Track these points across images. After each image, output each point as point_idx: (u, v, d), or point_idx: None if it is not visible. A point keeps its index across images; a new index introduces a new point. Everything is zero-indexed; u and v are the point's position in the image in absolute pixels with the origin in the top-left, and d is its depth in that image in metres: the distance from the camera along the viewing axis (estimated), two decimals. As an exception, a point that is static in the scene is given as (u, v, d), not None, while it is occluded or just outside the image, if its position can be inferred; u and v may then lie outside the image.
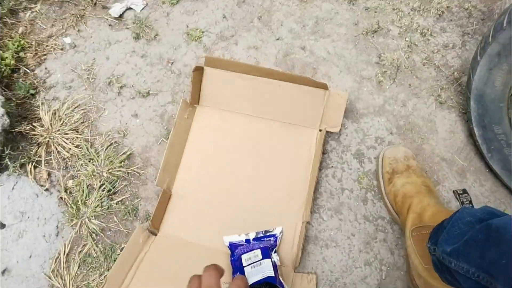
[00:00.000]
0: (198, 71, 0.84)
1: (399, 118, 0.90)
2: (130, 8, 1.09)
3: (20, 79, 1.00)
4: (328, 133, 0.87)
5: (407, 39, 0.98)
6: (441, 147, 0.87)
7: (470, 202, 0.62)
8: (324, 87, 0.84)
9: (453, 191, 0.65)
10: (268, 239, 0.75)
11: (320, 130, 0.85)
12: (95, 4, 1.11)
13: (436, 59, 0.96)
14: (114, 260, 0.79)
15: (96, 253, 0.79)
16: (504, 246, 0.44)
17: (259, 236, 0.76)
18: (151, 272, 0.76)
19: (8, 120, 0.87)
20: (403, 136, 0.88)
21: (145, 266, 0.76)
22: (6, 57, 1.00)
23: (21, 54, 1.04)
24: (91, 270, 0.77)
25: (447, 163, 0.85)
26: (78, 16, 1.09)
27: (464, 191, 0.63)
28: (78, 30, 1.07)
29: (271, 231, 0.76)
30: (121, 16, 1.08)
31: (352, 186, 0.83)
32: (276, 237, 0.75)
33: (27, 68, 1.02)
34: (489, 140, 0.78)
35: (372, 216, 0.80)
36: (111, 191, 0.86)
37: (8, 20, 1.08)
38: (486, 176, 0.83)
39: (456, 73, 0.93)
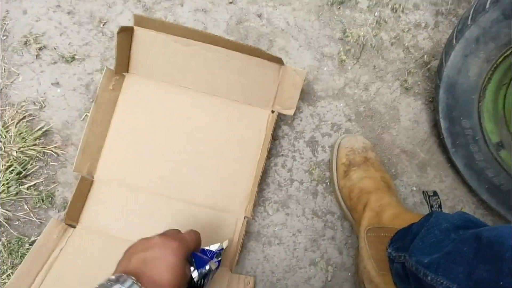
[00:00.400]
0: (126, 31, 0.69)
1: (360, 103, 0.81)
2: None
3: None
4: (281, 116, 0.76)
5: (376, 14, 0.87)
6: (403, 138, 0.79)
7: (440, 206, 0.55)
8: (279, 62, 0.72)
9: (423, 192, 0.58)
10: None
11: (273, 112, 0.74)
12: None
13: (406, 39, 0.86)
14: (22, 257, 0.67)
15: (-4, 248, 0.66)
16: (501, 264, 0.36)
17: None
18: (66, 272, 0.65)
19: None
20: (362, 123, 0.79)
21: (60, 265, 0.64)
22: None
23: None
24: (-12, 268, 0.65)
25: (407, 155, 0.78)
26: None
27: (435, 193, 0.56)
28: None
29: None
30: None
31: (303, 177, 0.74)
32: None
33: None
34: (455, 134, 0.70)
35: (322, 211, 0.72)
36: (22, 174, 0.72)
37: None
38: (447, 172, 0.77)
39: (426, 56, 0.84)
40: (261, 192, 0.73)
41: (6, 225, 0.69)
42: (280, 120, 0.78)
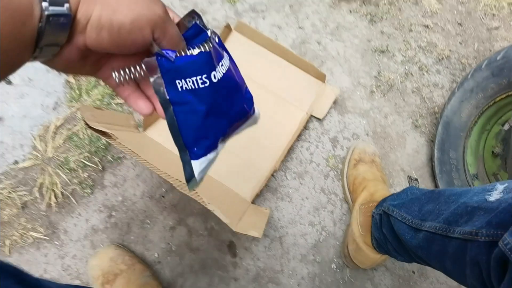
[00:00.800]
0: (228, 29, 0.96)
1: (378, 125, 1.02)
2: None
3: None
4: (313, 116, 0.98)
5: (406, 68, 1.12)
6: (404, 160, 0.99)
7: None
8: (322, 78, 0.97)
9: (408, 175, 0.77)
10: None
11: (307, 114, 0.97)
12: None
13: (424, 92, 1.10)
14: (97, 147, 0.86)
15: (83, 135, 0.86)
16: (440, 201, 0.55)
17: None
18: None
19: None
20: (376, 140, 1.00)
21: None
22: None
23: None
24: (73, 147, 0.84)
25: (404, 173, 0.97)
26: None
27: (416, 179, 0.75)
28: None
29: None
30: (174, -39, 1.19)
31: (320, 161, 0.94)
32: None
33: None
34: (443, 163, 0.90)
35: (328, 190, 0.91)
36: (116, 94, 0.93)
37: None
38: (431, 194, 0.95)
39: (436, 108, 1.07)
40: (285, 162, 0.93)
41: (92, 124, 0.89)
42: (314, 118, 0.99)
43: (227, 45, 0.99)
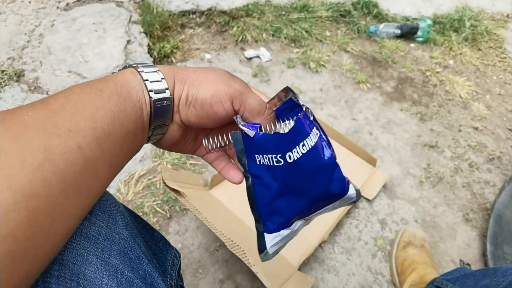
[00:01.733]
0: None
1: (427, 214, 1.05)
2: (259, 57, 1.46)
3: (166, 63, 1.37)
4: (363, 197, 1.05)
5: (456, 163, 1.18)
6: (454, 252, 0.98)
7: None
8: (373, 163, 1.06)
9: (460, 259, 0.78)
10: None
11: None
12: (237, 44, 1.50)
13: (475, 188, 1.13)
14: (169, 197, 0.98)
15: (159, 185, 0.99)
16: (497, 275, 0.57)
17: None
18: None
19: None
20: (425, 228, 1.02)
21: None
22: (166, 46, 1.38)
23: (175, 50, 1.43)
24: (150, 195, 0.97)
25: (454, 265, 0.96)
26: (222, 45, 1.48)
27: (469, 265, 0.76)
28: (218, 54, 1.45)
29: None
30: (250, 59, 1.45)
31: (368, 240, 0.97)
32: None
33: (174, 58, 1.39)
34: (497, 257, 0.89)
35: (375, 270, 0.92)
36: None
37: (178, 28, 1.51)
38: (485, 291, 0.92)
39: (488, 204, 1.08)
40: (334, 236, 0.97)
41: (167, 178, 1.03)
42: (363, 198, 1.05)
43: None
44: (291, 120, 0.34)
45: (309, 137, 0.34)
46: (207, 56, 1.43)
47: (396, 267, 0.89)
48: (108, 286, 0.28)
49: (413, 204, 1.07)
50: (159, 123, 0.33)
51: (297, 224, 0.39)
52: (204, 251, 0.91)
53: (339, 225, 0.98)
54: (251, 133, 0.33)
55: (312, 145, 0.34)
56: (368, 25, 1.64)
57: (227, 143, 0.37)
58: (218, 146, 0.37)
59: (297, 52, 1.48)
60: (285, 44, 1.52)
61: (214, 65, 1.39)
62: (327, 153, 0.36)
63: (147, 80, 0.31)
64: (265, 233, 0.38)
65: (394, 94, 1.38)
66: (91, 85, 0.29)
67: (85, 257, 0.28)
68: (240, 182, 0.39)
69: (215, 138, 0.37)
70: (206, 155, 0.41)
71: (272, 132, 0.34)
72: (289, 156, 0.33)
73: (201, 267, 0.88)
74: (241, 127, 0.33)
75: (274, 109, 0.37)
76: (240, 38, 1.50)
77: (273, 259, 0.88)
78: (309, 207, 0.37)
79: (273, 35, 1.55)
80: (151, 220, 0.93)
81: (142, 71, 0.31)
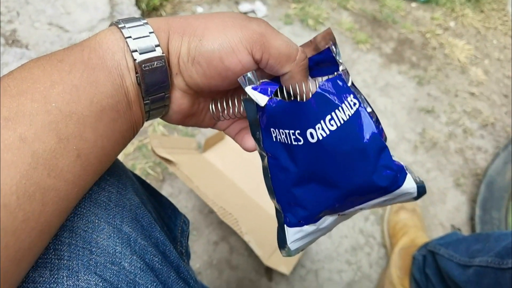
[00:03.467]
0: None
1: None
2: (254, 12, 1.38)
3: (155, 17, 1.28)
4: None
5: (450, 129, 1.17)
6: (443, 215, 1.01)
7: None
8: None
9: (451, 224, 0.80)
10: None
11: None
12: (231, -2, 1.41)
13: (467, 154, 1.13)
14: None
15: (151, 147, 0.96)
16: (489, 240, 0.58)
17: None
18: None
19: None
20: (417, 192, 1.03)
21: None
22: (155, -1, 1.29)
23: (164, 2, 1.33)
24: (141, 156, 0.95)
25: (443, 228, 0.98)
26: (215, -1, 1.39)
27: (459, 229, 0.78)
28: (210, 8, 1.36)
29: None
30: (245, 13, 1.37)
31: (361, 204, 0.98)
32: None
33: (163, 12, 1.30)
34: (484, 222, 0.91)
35: (367, 232, 0.94)
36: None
37: (167, -22, 1.40)
38: (470, 253, 0.95)
39: (479, 170, 1.10)
40: (328, 200, 0.97)
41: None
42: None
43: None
44: (321, 79, 0.26)
45: (340, 108, 0.25)
46: (199, 9, 1.34)
47: (388, 230, 0.91)
48: (122, 254, 0.26)
49: (406, 169, 1.07)
50: (155, 92, 0.26)
51: (326, 220, 0.30)
52: (198, 213, 0.90)
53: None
54: (263, 100, 0.25)
55: (345, 119, 0.25)
56: (369, -19, 1.55)
57: (241, 111, 0.29)
58: (227, 114, 0.29)
59: (295, 8, 1.40)
60: (281, -1, 1.43)
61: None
62: (368, 130, 0.26)
63: (129, 37, 0.24)
64: (285, 226, 0.31)
65: (393, 56, 1.34)
66: (49, 56, 0.23)
67: (96, 224, 0.25)
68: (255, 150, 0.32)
69: (225, 103, 0.29)
70: (229, 130, 0.33)
71: (304, 92, 0.25)
72: (311, 134, 0.25)
73: (195, 229, 0.88)
74: (247, 90, 0.25)
75: (309, 56, 0.28)
76: (234, -9, 1.41)
77: (266, 223, 0.89)
78: (342, 202, 0.28)
79: (269, -11, 1.45)
80: (144, 182, 0.92)
81: (124, 26, 0.24)
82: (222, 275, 0.84)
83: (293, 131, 0.26)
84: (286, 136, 0.26)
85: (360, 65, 1.28)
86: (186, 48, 0.25)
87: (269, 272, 0.86)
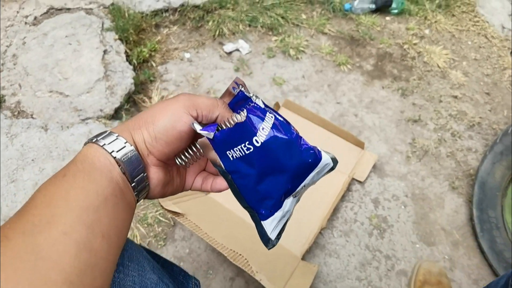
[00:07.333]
0: (276, 106, 1.15)
1: (416, 187, 1.11)
2: (238, 50, 1.47)
3: (147, 68, 1.37)
4: (354, 179, 1.10)
5: (439, 135, 1.23)
6: (444, 220, 1.05)
7: None
8: (361, 146, 1.10)
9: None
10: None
11: (349, 177, 1.09)
12: (214, 39, 1.50)
13: (459, 156, 1.18)
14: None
15: (158, 195, 1.02)
16: None
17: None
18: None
19: (133, 88, 1.21)
20: (415, 201, 1.08)
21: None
22: (144, 51, 1.37)
23: (153, 53, 1.42)
24: (151, 205, 1.00)
25: (445, 232, 1.03)
26: (200, 42, 1.48)
27: None
28: (197, 52, 1.44)
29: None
30: (230, 53, 1.45)
31: (364, 220, 1.03)
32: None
33: (153, 62, 1.38)
34: (483, 221, 0.96)
35: (373, 247, 0.98)
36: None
37: (153, 29, 1.50)
38: (475, 253, 0.99)
39: (472, 170, 1.15)
40: (331, 221, 1.02)
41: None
42: (355, 181, 1.10)
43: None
44: (244, 110, 0.35)
45: (265, 121, 0.36)
46: (187, 55, 1.43)
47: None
48: None
49: (402, 180, 1.12)
50: (137, 174, 0.34)
51: (287, 202, 0.40)
52: (211, 252, 0.95)
53: (335, 210, 1.03)
54: (210, 134, 0.35)
55: (271, 126, 0.36)
56: (343, 2, 1.64)
57: (197, 153, 0.37)
58: (192, 158, 0.37)
59: (276, 40, 1.49)
60: (262, 33, 1.52)
61: (195, 64, 1.39)
62: (287, 129, 0.37)
63: (104, 144, 0.32)
64: (262, 221, 0.39)
65: (374, 72, 1.41)
66: (54, 176, 0.31)
67: None
68: (227, 188, 0.40)
69: (185, 153, 0.37)
70: (194, 184, 0.41)
71: (233, 124, 0.35)
72: (256, 140, 0.35)
73: (210, 268, 0.93)
74: (199, 132, 0.34)
75: (227, 102, 0.39)
76: (217, 32, 1.49)
77: (276, 254, 0.93)
78: (291, 182, 0.38)
79: (249, 25, 1.54)
80: (157, 229, 0.97)
81: (97, 140, 0.33)
82: (241, 309, 0.89)
83: (243, 144, 0.35)
84: (240, 149, 0.35)
85: (344, 85, 1.35)
86: (147, 133, 0.34)
87: (286, 300, 0.90)
